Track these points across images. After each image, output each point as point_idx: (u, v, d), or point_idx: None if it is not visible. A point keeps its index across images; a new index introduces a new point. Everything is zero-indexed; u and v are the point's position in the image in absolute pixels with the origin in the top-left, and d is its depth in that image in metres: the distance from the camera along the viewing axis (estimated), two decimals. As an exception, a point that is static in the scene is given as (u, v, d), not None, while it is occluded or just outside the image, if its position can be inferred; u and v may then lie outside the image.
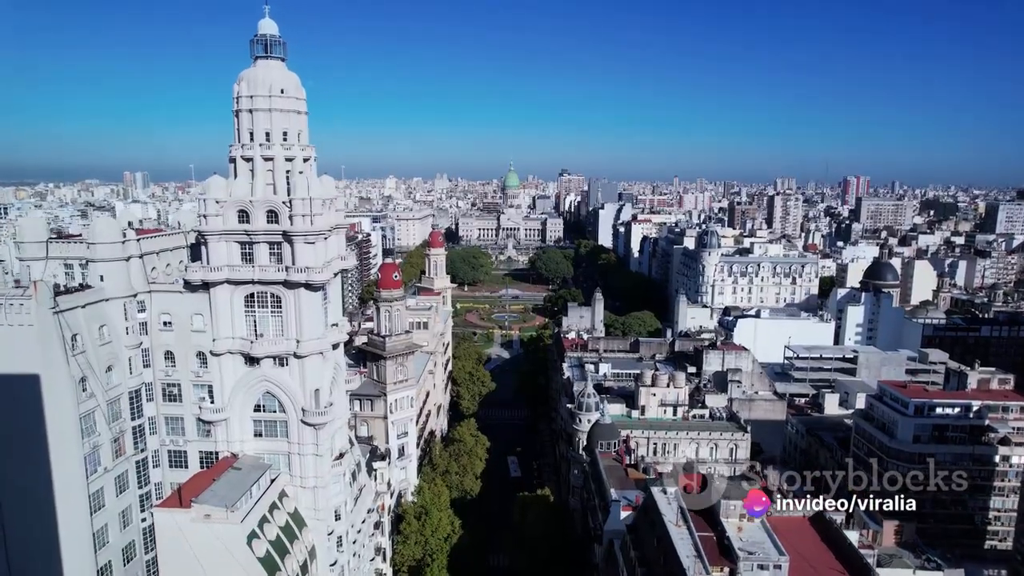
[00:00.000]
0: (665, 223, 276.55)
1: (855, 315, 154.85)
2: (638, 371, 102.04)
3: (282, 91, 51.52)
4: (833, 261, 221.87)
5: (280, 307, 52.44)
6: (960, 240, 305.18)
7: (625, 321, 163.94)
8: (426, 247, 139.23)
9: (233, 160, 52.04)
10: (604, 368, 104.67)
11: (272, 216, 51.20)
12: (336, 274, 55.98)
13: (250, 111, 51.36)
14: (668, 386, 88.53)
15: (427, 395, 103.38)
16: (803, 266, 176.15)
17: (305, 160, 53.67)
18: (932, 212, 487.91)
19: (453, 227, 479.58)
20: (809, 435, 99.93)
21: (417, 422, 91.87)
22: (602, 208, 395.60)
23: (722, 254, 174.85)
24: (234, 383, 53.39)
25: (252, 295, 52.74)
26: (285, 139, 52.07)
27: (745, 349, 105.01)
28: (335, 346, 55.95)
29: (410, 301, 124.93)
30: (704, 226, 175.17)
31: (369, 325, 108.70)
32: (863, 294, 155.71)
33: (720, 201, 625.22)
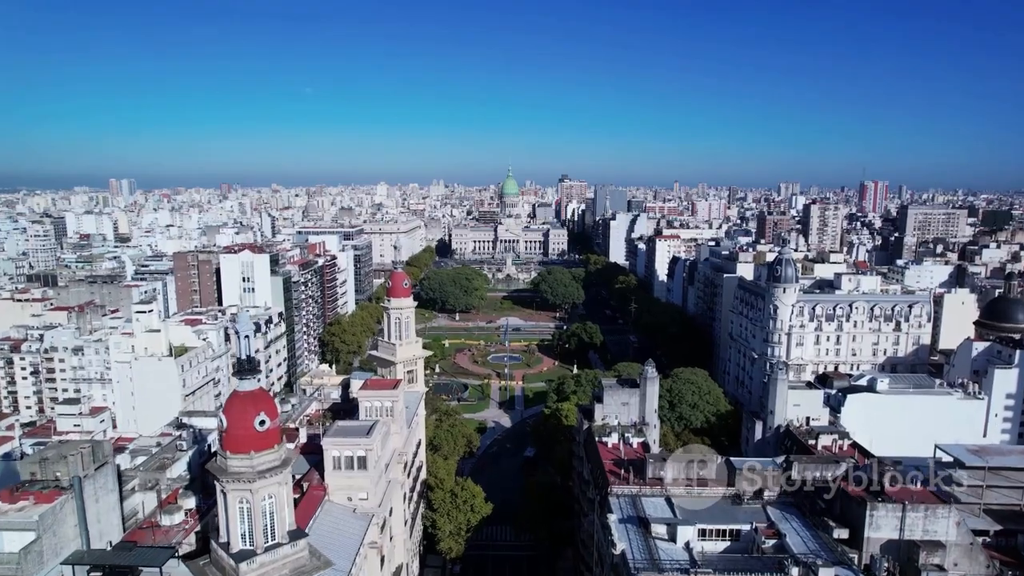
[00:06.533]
0: (696, 239, 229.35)
1: (1004, 382, 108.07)
2: (742, 526, 57.69)
3: None
4: (894, 282, 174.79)
5: None
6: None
7: (672, 387, 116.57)
8: (384, 295, 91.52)
9: None
10: (686, 534, 57.57)
11: None
12: None
13: None
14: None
15: (366, 591, 56.23)
16: (910, 306, 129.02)
17: None
18: (976, 220, 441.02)
19: (446, 239, 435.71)
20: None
21: None
22: (613, 219, 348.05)
23: (800, 289, 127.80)
24: None
25: None
26: None
27: (943, 501, 58.02)
28: None
29: (355, 385, 77.59)
30: (779, 252, 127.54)
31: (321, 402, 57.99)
32: (1017, 352, 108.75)
33: (730, 208, 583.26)
